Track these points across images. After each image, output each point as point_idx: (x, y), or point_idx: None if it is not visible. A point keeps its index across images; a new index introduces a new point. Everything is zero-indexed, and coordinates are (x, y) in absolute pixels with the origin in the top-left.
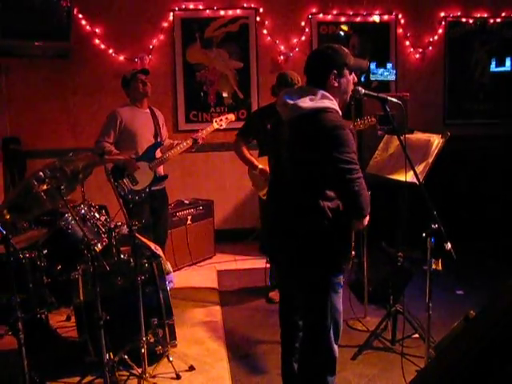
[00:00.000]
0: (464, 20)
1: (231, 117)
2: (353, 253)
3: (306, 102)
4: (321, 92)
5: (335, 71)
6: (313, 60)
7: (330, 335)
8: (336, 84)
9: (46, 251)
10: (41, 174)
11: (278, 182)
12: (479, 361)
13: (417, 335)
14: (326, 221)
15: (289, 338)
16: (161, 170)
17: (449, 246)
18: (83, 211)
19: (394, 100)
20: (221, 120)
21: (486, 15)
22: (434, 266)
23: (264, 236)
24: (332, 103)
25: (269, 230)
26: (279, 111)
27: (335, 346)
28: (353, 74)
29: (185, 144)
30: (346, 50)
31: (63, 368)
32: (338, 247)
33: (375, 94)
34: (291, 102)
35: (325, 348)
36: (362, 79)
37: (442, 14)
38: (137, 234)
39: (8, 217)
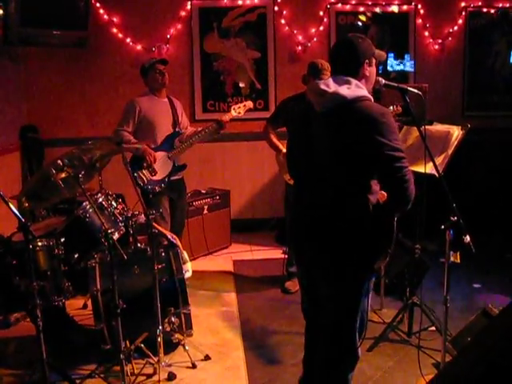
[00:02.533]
0: (485, 10)
1: (249, 104)
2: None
3: (345, 91)
4: (354, 81)
5: (367, 60)
6: (345, 49)
7: (356, 337)
8: (367, 73)
9: (63, 239)
10: (59, 162)
11: (309, 178)
12: (504, 358)
13: (433, 328)
14: (367, 215)
15: (315, 336)
16: (179, 159)
17: (468, 238)
18: (101, 200)
19: (415, 91)
20: (239, 107)
21: (508, 5)
22: (452, 259)
23: (290, 230)
24: (366, 92)
25: (298, 224)
26: (313, 102)
27: (358, 345)
28: None
29: (208, 129)
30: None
31: (80, 355)
32: (378, 246)
33: (396, 85)
34: (330, 90)
35: (349, 347)
36: (380, 70)
37: (463, 4)
38: (154, 224)
39: (27, 205)
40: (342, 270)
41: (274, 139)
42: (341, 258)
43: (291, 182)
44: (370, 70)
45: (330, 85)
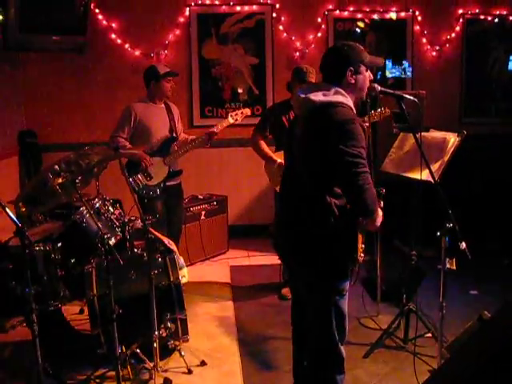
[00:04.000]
0: (482, 17)
1: (246, 111)
2: (361, 255)
3: (318, 96)
4: (335, 88)
5: (351, 68)
6: (329, 57)
7: (335, 337)
8: (353, 81)
9: (60, 244)
10: (56, 167)
11: (289, 178)
12: (494, 363)
13: (429, 335)
14: (332, 218)
15: (300, 337)
16: (176, 164)
17: (463, 245)
18: (97, 205)
19: (411, 98)
20: (236, 115)
21: (505, 12)
22: (448, 266)
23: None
24: (345, 99)
25: (277, 227)
26: (293, 106)
27: (341, 347)
28: (369, 71)
29: (200, 139)
30: (361, 47)
31: (76, 360)
32: (344, 250)
33: (391, 92)
34: (303, 95)
35: (330, 349)
36: (378, 76)
37: (460, 11)
38: (151, 229)
39: (24, 209)
40: (311, 270)
41: (266, 148)
42: (308, 259)
43: None
44: (358, 78)
45: (304, 90)
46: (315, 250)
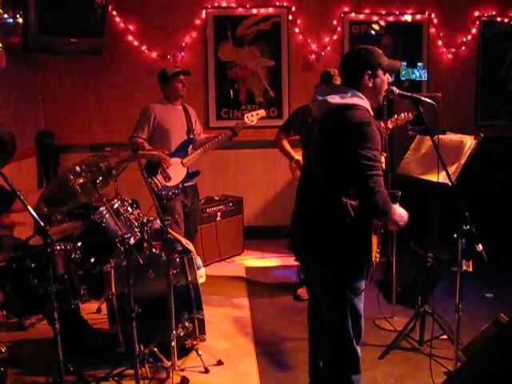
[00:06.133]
0: (499, 19)
1: (262, 112)
2: (376, 256)
3: (334, 99)
4: (352, 91)
5: (369, 72)
6: (347, 61)
7: (351, 336)
8: (370, 84)
9: (80, 244)
10: (77, 168)
11: (306, 178)
12: (511, 366)
13: (445, 336)
14: (347, 219)
15: (316, 336)
16: (193, 166)
17: (480, 247)
18: (117, 205)
19: (428, 100)
20: (252, 116)
21: None
22: (464, 267)
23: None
24: (362, 101)
25: (293, 226)
26: (311, 108)
27: (357, 347)
28: (387, 74)
29: (223, 135)
30: (380, 51)
31: (94, 358)
32: (359, 249)
33: (409, 94)
34: (320, 98)
35: (346, 348)
36: (393, 79)
37: (477, 14)
38: (168, 229)
39: (46, 209)
40: (326, 268)
41: (287, 146)
42: (323, 258)
43: None
44: (375, 82)
45: (322, 92)
46: (330, 249)
